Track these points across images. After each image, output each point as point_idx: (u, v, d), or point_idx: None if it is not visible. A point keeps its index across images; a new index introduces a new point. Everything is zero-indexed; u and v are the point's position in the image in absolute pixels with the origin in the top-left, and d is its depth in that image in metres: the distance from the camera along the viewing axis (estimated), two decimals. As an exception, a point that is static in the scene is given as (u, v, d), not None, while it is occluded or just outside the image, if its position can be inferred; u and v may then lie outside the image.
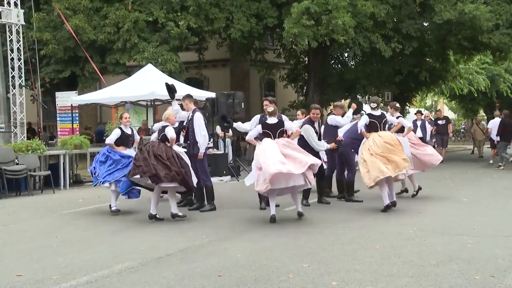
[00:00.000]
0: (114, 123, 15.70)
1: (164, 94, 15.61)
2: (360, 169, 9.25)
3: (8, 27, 16.10)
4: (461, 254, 6.17)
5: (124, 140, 9.68)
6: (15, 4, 15.92)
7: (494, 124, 18.51)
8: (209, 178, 9.58)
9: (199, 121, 9.37)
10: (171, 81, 16.77)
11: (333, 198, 10.50)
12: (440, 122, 20.01)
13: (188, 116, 9.52)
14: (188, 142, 9.47)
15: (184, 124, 9.67)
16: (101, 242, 7.26)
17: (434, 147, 18.42)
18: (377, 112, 9.74)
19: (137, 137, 10.14)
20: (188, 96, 9.79)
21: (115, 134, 9.66)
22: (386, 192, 9.11)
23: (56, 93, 18.93)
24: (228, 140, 16.51)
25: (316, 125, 9.81)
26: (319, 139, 9.79)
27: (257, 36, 21.24)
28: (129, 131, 9.80)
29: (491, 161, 18.42)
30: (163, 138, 8.62)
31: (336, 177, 10.59)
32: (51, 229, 8.28)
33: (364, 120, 9.68)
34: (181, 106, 9.91)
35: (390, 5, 19.85)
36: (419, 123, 17.43)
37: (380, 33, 20.09)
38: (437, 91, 33.87)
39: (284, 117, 9.10)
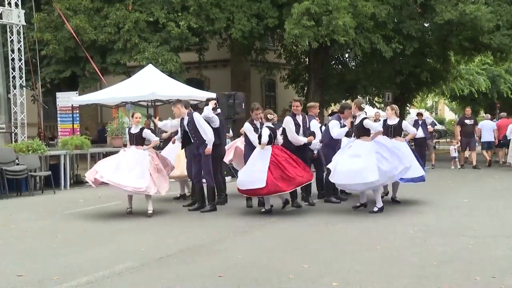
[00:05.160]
0: (115, 123, 15.72)
1: (164, 95, 15.71)
2: None
3: (9, 27, 16.12)
4: (462, 255, 6.17)
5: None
6: (16, 5, 15.94)
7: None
8: (212, 179, 9.57)
9: (200, 120, 9.38)
10: (171, 81, 16.87)
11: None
12: (468, 121, 17.87)
13: (184, 120, 9.49)
14: (192, 143, 9.49)
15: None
16: (101, 243, 7.26)
17: (434, 147, 18.49)
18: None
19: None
20: (179, 101, 9.70)
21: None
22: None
23: (56, 93, 18.94)
24: (228, 140, 16.51)
25: (299, 118, 9.75)
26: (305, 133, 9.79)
27: (257, 37, 21.24)
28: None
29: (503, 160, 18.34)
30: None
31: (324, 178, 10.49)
32: (51, 229, 8.29)
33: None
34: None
35: (390, 6, 19.85)
36: (420, 123, 17.48)
37: (381, 33, 20.08)
38: (438, 92, 33.89)
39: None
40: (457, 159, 17.84)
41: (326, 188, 10.24)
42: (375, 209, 9.12)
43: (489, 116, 20.32)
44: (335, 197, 10.26)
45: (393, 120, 10.17)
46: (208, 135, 9.34)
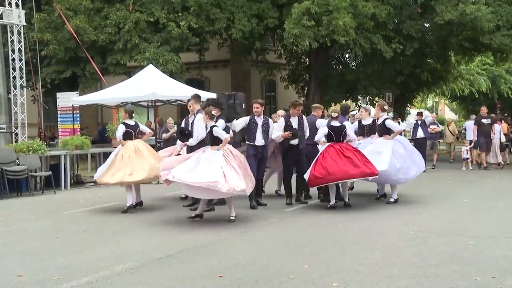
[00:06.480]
0: (115, 124, 15.72)
1: (165, 95, 15.70)
2: None
3: (9, 27, 16.13)
4: (462, 255, 6.17)
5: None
6: (16, 5, 15.95)
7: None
8: None
9: (199, 122, 9.36)
10: (172, 82, 16.86)
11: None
12: (485, 121, 17.30)
13: (192, 118, 9.54)
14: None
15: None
16: (102, 243, 7.26)
17: (432, 148, 18.50)
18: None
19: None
20: (195, 97, 9.74)
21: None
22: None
23: (57, 93, 18.94)
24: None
25: (294, 120, 10.00)
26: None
27: (258, 37, 21.25)
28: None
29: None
30: None
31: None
32: (52, 229, 8.29)
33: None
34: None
35: (391, 6, 19.86)
36: (419, 122, 17.52)
37: (381, 33, 20.09)
38: (438, 92, 33.91)
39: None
40: (469, 160, 17.46)
41: (324, 188, 10.29)
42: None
43: (474, 116, 20.49)
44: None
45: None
46: (192, 141, 9.30)
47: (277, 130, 9.97)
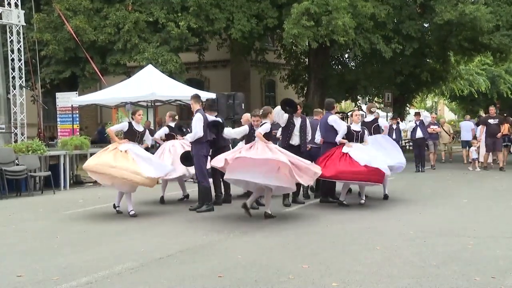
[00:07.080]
0: (114, 124, 15.72)
1: (164, 95, 15.70)
2: None
3: (9, 27, 16.13)
4: (462, 255, 6.16)
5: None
6: (16, 5, 15.95)
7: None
8: (206, 179, 9.53)
9: (196, 121, 9.36)
10: (171, 81, 16.85)
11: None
12: (492, 121, 16.95)
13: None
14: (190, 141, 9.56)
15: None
16: (101, 243, 7.25)
17: (433, 148, 18.51)
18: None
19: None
20: (195, 96, 9.77)
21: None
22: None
23: (56, 93, 18.96)
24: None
25: (297, 120, 9.98)
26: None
27: (257, 37, 21.27)
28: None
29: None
30: None
31: None
32: (51, 229, 8.28)
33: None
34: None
35: (390, 6, 19.87)
36: (418, 123, 17.52)
37: (381, 34, 20.10)
38: (438, 92, 33.93)
39: None
40: (476, 161, 17.21)
41: (321, 188, 10.29)
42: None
43: (468, 117, 21.38)
44: (332, 197, 10.27)
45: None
46: (188, 137, 9.47)
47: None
